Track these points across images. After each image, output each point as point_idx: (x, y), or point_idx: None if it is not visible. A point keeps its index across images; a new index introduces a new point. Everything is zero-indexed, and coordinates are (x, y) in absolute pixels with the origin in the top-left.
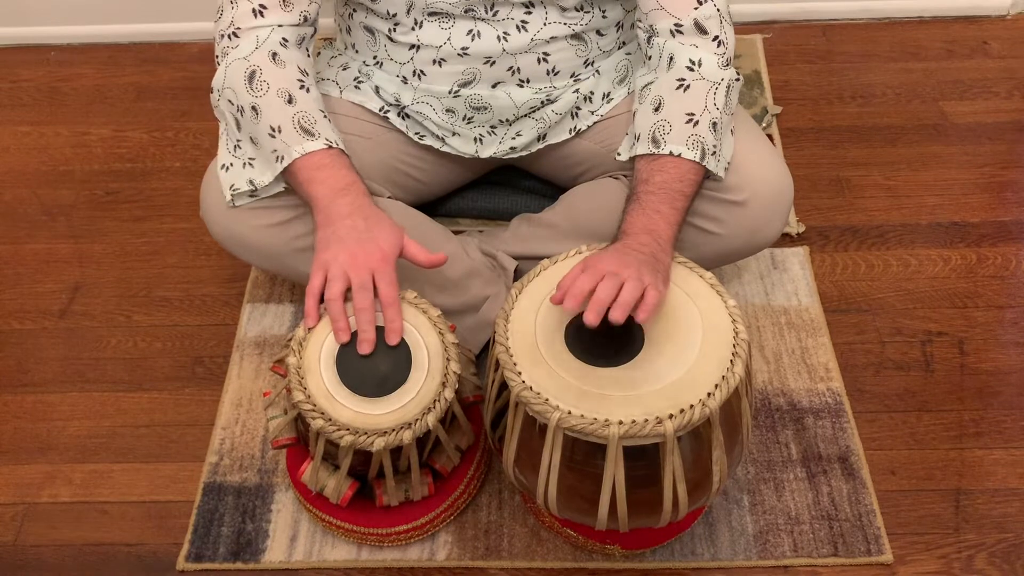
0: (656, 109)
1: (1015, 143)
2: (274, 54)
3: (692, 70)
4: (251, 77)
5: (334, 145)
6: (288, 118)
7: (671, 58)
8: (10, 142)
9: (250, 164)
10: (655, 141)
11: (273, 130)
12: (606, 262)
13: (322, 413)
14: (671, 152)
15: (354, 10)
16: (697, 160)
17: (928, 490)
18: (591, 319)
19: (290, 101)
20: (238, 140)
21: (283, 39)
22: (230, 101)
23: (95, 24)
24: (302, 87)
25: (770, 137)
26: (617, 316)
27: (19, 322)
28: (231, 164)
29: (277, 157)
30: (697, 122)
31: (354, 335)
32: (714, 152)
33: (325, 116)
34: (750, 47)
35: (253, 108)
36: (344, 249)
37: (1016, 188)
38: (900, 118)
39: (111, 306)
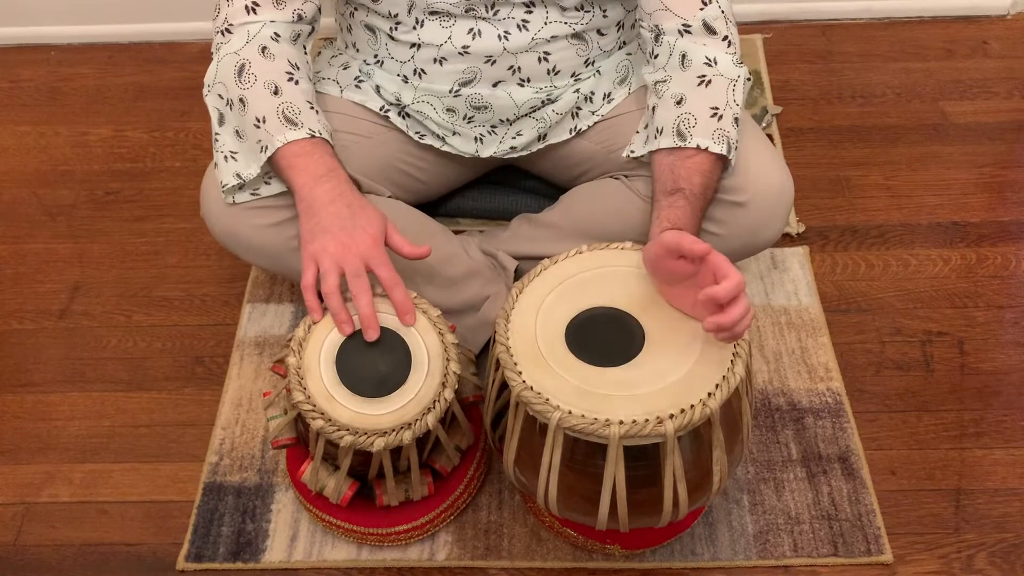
0: (678, 103)
1: (1015, 143)
2: (264, 48)
3: (710, 66)
4: (240, 70)
5: (317, 134)
6: (273, 109)
7: (684, 55)
8: (10, 142)
9: (232, 158)
10: (680, 134)
11: (258, 121)
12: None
13: (322, 413)
14: (698, 145)
15: (355, 9)
16: (724, 153)
17: (928, 490)
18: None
19: (276, 92)
20: (216, 134)
21: (275, 34)
22: (219, 95)
23: (95, 24)
24: (290, 79)
25: (770, 137)
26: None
27: (19, 322)
28: (216, 162)
29: (262, 147)
30: (721, 116)
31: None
32: (736, 147)
33: (312, 108)
34: (750, 47)
35: (241, 100)
36: (332, 239)
37: (1016, 188)
38: (900, 118)
39: (111, 306)
